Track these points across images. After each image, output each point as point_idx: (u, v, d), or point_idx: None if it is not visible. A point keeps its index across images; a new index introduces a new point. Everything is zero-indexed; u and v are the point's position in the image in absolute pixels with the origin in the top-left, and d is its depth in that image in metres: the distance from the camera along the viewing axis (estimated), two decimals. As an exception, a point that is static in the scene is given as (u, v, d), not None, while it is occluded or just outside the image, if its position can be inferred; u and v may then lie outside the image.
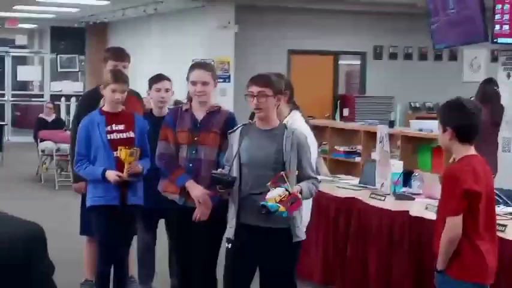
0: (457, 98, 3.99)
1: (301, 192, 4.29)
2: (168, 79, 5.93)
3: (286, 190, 4.20)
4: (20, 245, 1.65)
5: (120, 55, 5.86)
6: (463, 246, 3.83)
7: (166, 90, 5.85)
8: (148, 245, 5.92)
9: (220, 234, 4.86)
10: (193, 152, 4.88)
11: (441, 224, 3.90)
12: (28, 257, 1.65)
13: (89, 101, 5.71)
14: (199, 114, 4.95)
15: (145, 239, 5.87)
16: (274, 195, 4.21)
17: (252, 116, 4.48)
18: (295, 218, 4.41)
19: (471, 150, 3.92)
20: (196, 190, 4.81)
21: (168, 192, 5.01)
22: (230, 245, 4.47)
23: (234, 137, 4.51)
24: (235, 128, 4.58)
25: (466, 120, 3.87)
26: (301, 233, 4.47)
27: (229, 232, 4.49)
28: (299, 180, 4.39)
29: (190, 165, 4.88)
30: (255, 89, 4.42)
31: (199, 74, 4.95)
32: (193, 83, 4.93)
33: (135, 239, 5.63)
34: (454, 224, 3.79)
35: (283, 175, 4.23)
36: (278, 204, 4.17)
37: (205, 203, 4.80)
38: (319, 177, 4.78)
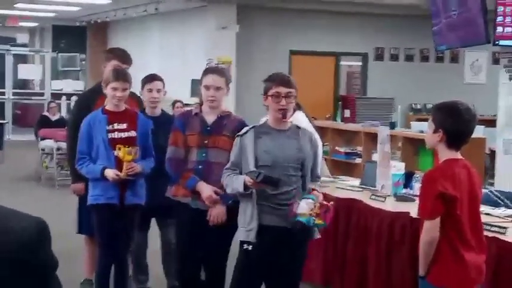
0: (455, 101, 3.85)
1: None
2: (161, 79, 5.85)
3: (313, 200, 4.22)
4: (34, 238, 1.68)
5: (126, 57, 5.86)
6: (444, 253, 3.72)
7: (158, 91, 5.77)
8: (141, 245, 5.86)
9: (230, 236, 4.74)
10: (203, 154, 4.85)
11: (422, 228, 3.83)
12: (39, 251, 1.68)
13: (87, 102, 5.70)
14: (210, 118, 4.91)
15: (138, 238, 5.81)
16: (305, 209, 4.20)
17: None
18: None
19: (456, 155, 3.82)
20: (206, 190, 4.77)
21: (179, 195, 4.96)
22: (251, 246, 4.35)
23: (247, 140, 4.43)
24: (245, 131, 4.49)
25: (460, 126, 3.77)
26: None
27: (248, 235, 4.37)
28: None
29: (200, 167, 4.84)
30: (283, 90, 4.38)
31: (213, 79, 4.88)
32: (207, 88, 4.88)
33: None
34: (429, 227, 3.71)
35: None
36: (313, 218, 4.17)
37: (214, 202, 4.77)
38: (321, 178, 4.79)
